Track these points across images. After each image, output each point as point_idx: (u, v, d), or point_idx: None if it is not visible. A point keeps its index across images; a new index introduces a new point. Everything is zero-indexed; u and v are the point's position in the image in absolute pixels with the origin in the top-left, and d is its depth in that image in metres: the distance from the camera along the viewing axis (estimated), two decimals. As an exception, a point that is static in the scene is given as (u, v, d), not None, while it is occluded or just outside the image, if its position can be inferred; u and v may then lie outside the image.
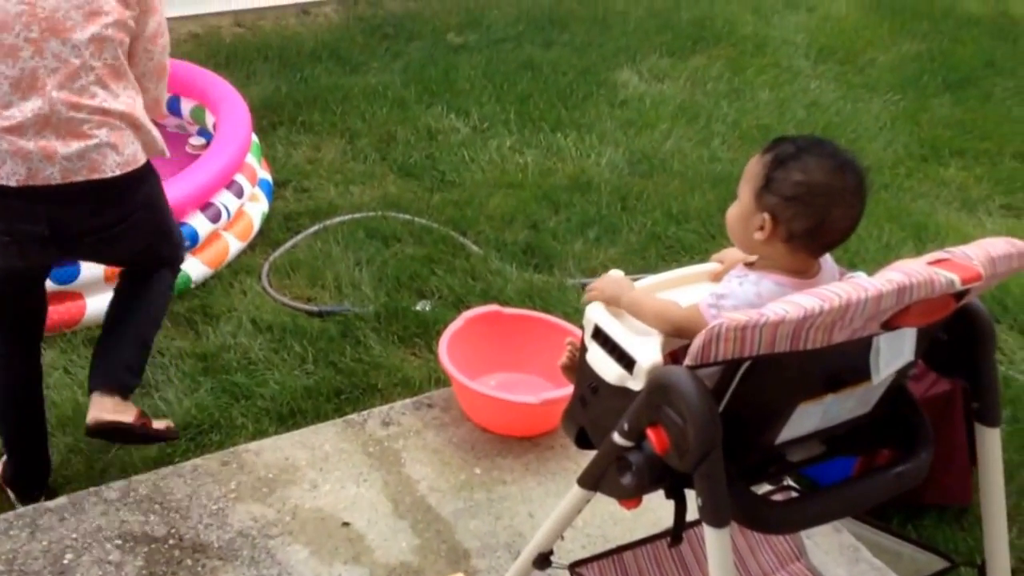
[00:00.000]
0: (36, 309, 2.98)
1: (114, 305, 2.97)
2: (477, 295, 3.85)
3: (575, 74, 5.84)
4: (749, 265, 2.03)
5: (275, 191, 4.47)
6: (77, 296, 3.55)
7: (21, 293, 2.89)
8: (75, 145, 2.58)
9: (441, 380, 3.37)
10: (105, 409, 2.73)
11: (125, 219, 2.75)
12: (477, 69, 5.82)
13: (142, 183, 2.76)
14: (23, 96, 2.55)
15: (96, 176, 2.62)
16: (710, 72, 5.98)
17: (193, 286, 3.78)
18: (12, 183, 2.56)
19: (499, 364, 3.31)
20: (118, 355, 2.86)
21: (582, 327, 2.13)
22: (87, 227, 2.70)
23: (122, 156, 2.66)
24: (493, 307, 3.41)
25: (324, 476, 2.91)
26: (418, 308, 3.79)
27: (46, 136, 2.56)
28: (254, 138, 4.43)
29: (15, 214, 2.62)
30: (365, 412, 3.19)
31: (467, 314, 3.33)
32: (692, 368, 1.80)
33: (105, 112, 2.63)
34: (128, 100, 2.70)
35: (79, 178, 2.60)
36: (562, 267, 4.10)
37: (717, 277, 2.19)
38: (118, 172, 2.65)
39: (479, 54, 6.05)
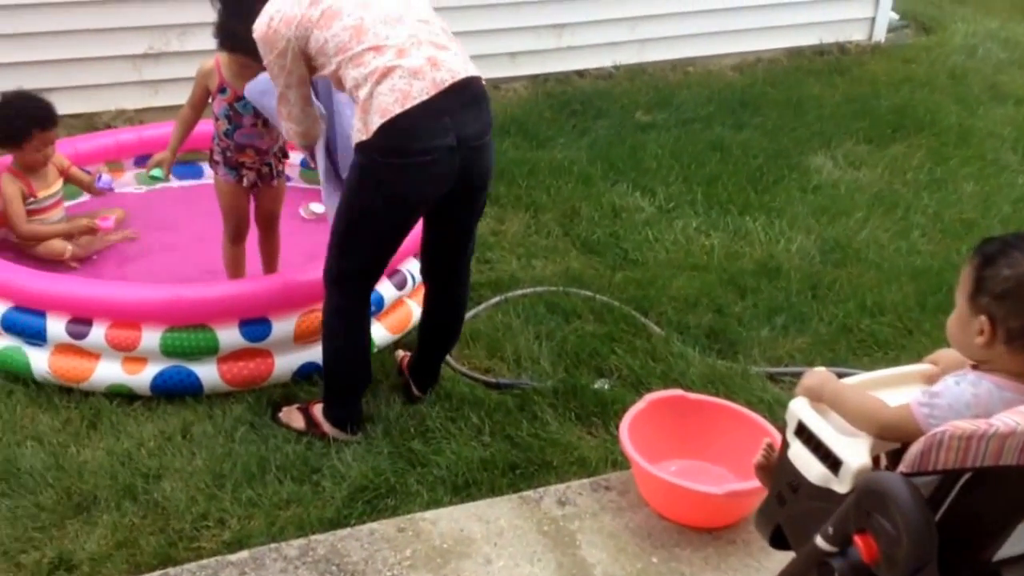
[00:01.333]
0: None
1: (432, 324, 3.60)
2: (657, 377, 3.77)
3: (766, 157, 5.74)
4: (973, 366, 1.92)
5: (460, 261, 4.50)
6: (267, 354, 3.64)
7: (406, 231, 3.25)
8: (443, 53, 3.05)
9: (618, 462, 3.30)
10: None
11: (487, 130, 3.16)
12: (665, 148, 5.79)
13: (490, 102, 3.19)
14: (392, 26, 3.03)
15: (466, 75, 3.05)
16: (910, 161, 5.78)
17: (376, 351, 3.82)
18: (424, 97, 2.95)
19: (680, 450, 3.23)
20: (436, 371, 3.66)
21: (783, 421, 2.05)
22: (471, 132, 3.08)
23: (473, 65, 3.11)
24: (677, 391, 3.34)
25: (498, 552, 2.87)
26: (596, 386, 3.73)
27: (424, 48, 3.01)
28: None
29: (431, 131, 3.00)
30: (541, 489, 3.15)
31: (650, 396, 3.27)
32: (908, 475, 1.70)
33: (445, 31, 3.15)
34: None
35: (460, 76, 3.02)
36: (747, 354, 3.98)
37: (931, 380, 2.08)
38: (477, 74, 3.10)
39: (667, 133, 6.03)
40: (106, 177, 4.55)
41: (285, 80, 3.18)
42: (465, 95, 3.05)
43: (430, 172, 3.04)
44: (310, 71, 3.17)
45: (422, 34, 3.05)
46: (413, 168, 3.02)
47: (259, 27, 3.11)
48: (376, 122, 2.95)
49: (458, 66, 3.05)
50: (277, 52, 3.10)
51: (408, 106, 2.94)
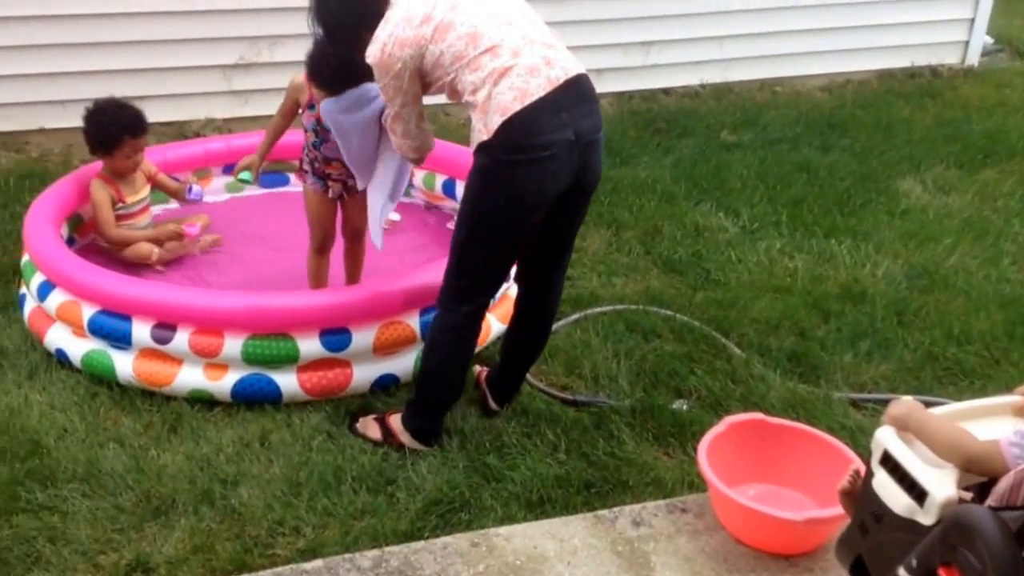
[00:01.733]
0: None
1: (519, 330, 3.60)
2: (736, 399, 3.72)
3: (853, 180, 5.65)
4: (1069, 404, 1.86)
5: (539, 277, 4.49)
6: (346, 364, 3.67)
7: (524, 236, 3.25)
8: (552, 52, 3.13)
9: (695, 484, 3.25)
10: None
11: (600, 126, 3.20)
12: (750, 169, 5.73)
13: (599, 100, 3.24)
14: (505, 29, 3.11)
15: (577, 72, 3.13)
16: (1001, 188, 5.65)
17: (454, 364, 3.83)
18: (543, 92, 3.03)
19: (758, 474, 3.18)
20: (517, 385, 3.68)
21: (867, 449, 2.00)
22: (586, 127, 3.12)
23: (581, 63, 3.18)
24: (757, 415, 3.28)
25: (571, 570, 2.85)
26: (674, 407, 3.69)
27: (537, 48, 3.10)
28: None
29: (551, 127, 3.04)
30: (616, 509, 3.12)
31: (729, 419, 3.22)
32: (996, 509, 1.65)
33: (551, 33, 3.22)
34: None
35: (573, 73, 3.10)
36: (829, 379, 3.90)
37: (1020, 411, 2.02)
38: (584, 70, 3.16)
39: (753, 154, 5.97)
40: (196, 188, 4.64)
41: (401, 99, 3.24)
42: (578, 91, 3.11)
43: (551, 168, 3.07)
44: (423, 87, 3.24)
45: (533, 35, 3.14)
46: (535, 164, 3.05)
47: (373, 53, 3.16)
48: (497, 121, 3.00)
49: (570, 63, 3.13)
50: (393, 74, 3.16)
51: (527, 103, 2.99)
